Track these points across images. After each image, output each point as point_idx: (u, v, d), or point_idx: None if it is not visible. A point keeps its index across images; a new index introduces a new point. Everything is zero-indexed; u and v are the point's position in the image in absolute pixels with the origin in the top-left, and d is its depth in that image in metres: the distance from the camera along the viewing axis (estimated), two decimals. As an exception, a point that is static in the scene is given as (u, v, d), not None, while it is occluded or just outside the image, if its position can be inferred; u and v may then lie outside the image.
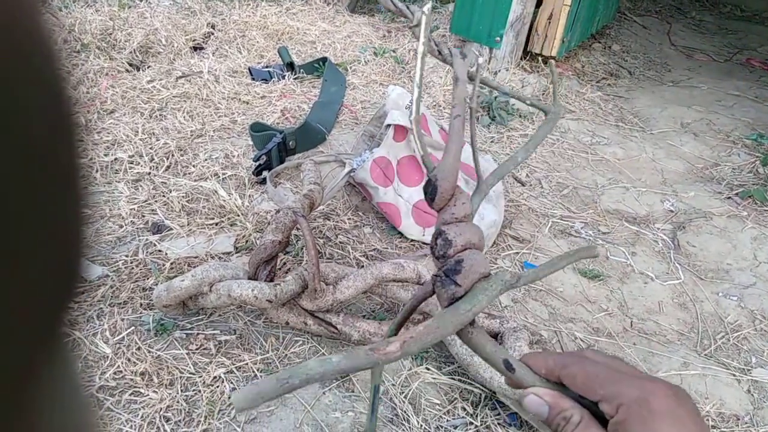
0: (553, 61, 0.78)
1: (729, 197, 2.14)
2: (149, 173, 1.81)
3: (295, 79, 2.49)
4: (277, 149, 1.84)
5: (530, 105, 0.71)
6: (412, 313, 0.57)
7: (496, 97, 2.41)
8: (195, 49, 2.72)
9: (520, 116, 2.52)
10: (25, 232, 0.13)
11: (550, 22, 2.81)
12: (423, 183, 1.78)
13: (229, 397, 1.19)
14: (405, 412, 1.21)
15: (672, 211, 2.05)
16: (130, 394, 1.18)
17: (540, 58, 2.96)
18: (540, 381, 0.46)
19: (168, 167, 1.85)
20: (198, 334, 1.33)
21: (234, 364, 1.27)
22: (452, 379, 1.30)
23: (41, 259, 0.14)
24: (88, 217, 0.16)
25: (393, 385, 1.27)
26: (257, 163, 1.81)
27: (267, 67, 2.54)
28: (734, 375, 1.43)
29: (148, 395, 1.18)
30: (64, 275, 0.16)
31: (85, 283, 1.41)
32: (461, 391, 1.28)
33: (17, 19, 0.12)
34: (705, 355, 1.48)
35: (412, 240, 1.71)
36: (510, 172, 0.52)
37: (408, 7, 0.65)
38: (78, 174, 0.16)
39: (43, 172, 0.14)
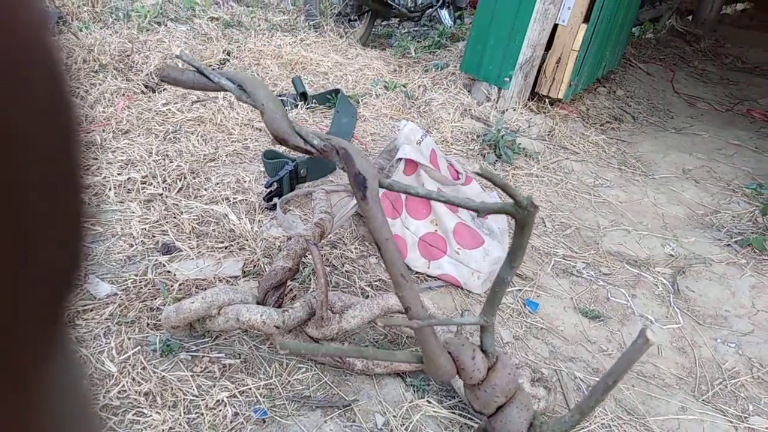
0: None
1: (728, 244, 2.17)
2: (161, 194, 1.84)
3: (307, 108, 2.54)
4: (288, 177, 1.88)
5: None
6: None
7: (502, 136, 2.46)
8: (210, 74, 2.78)
9: (526, 155, 2.57)
10: (25, 239, 0.14)
11: (558, 66, 2.89)
12: (429, 218, 1.77)
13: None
14: (405, 444, 1.22)
15: (672, 256, 2.08)
16: (133, 414, 1.19)
17: (547, 100, 3.03)
18: None
19: (180, 189, 1.88)
20: (203, 356, 1.35)
21: (237, 389, 1.28)
22: (453, 413, 1.31)
23: (41, 263, 0.15)
24: (88, 229, 0.17)
25: (394, 416, 1.28)
26: (268, 190, 1.84)
27: (281, 95, 2.60)
28: (731, 422, 1.44)
29: (151, 416, 1.19)
30: (61, 281, 0.16)
31: (91, 300, 1.43)
32: (461, 426, 1.29)
33: (21, 41, 0.13)
34: (703, 400, 1.50)
35: (417, 272, 1.73)
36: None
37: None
38: (80, 189, 0.16)
39: (46, 181, 0.14)
